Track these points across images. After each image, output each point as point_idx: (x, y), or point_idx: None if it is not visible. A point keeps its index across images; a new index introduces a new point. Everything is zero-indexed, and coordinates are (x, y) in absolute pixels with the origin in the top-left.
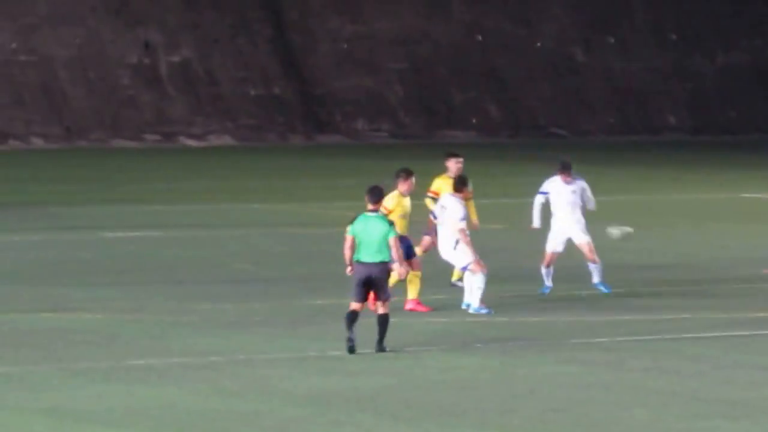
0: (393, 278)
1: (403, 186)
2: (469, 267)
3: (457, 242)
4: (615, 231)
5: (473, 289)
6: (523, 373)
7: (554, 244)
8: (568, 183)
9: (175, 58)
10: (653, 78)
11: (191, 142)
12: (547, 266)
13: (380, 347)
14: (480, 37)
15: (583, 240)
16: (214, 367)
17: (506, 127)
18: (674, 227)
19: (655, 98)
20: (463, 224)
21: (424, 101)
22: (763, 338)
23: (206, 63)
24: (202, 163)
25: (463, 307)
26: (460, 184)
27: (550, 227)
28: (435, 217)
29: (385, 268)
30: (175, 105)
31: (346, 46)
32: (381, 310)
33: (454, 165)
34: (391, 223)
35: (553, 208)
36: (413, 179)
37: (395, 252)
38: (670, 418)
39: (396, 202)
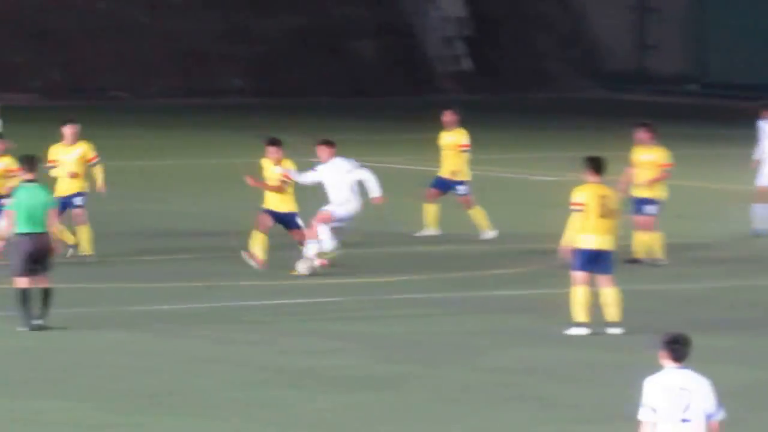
0: None
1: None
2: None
3: None
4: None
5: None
6: None
7: None
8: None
9: None
10: (217, 40)
11: None
12: None
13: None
14: None
15: None
16: None
17: (67, 89)
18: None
19: (219, 60)
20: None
21: None
22: (314, 306)
23: None
24: None
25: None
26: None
27: None
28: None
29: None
30: None
31: None
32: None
33: (69, 131)
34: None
35: None
36: None
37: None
38: (233, 387)
39: None
